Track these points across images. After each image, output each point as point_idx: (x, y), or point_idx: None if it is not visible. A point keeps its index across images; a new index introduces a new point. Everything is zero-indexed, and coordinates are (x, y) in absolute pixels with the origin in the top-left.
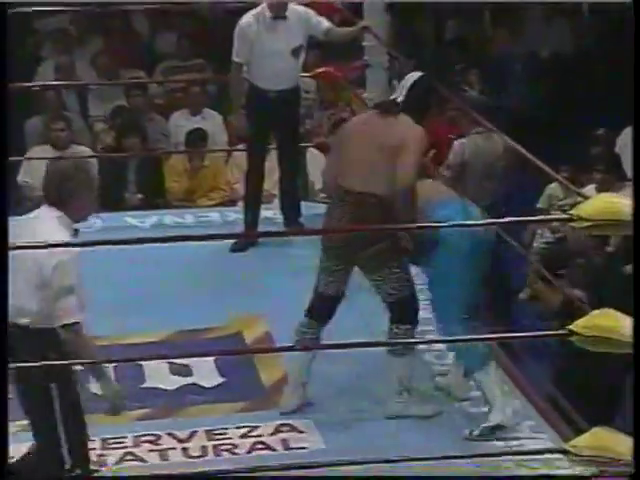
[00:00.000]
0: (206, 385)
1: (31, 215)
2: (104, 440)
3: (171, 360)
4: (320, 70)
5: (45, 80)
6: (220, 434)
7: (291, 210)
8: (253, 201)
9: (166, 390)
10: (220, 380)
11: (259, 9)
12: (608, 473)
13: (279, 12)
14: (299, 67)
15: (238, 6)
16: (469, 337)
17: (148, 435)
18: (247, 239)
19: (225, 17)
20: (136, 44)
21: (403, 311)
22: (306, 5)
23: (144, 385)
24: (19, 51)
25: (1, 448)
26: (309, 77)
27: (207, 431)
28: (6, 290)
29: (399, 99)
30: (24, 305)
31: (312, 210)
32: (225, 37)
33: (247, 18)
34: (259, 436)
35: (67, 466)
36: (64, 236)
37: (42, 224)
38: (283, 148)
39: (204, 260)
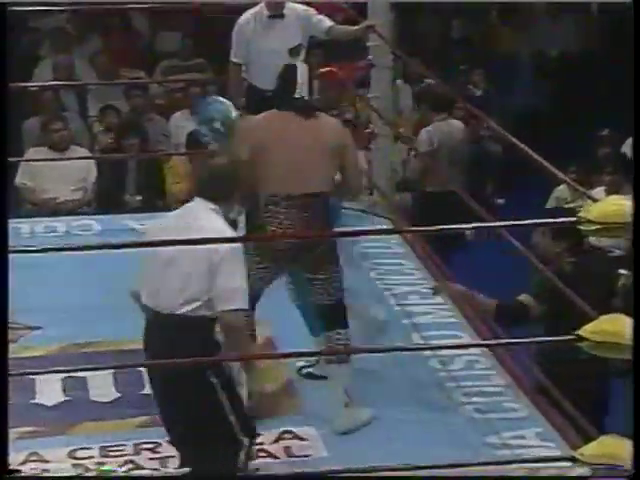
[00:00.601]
0: None
1: (185, 207)
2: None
3: None
4: (323, 70)
5: (43, 80)
6: None
7: None
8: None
9: None
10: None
11: (257, 8)
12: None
13: (276, 11)
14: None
15: (239, 5)
16: (474, 343)
17: (149, 443)
18: (239, 242)
19: (226, 16)
20: (136, 43)
21: (340, 314)
22: (310, 4)
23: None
24: (17, 50)
25: (1, 448)
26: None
27: None
28: (6, 290)
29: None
30: (188, 292)
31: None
32: (226, 36)
33: (245, 17)
34: (261, 444)
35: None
36: (225, 226)
37: (202, 215)
38: None
39: None
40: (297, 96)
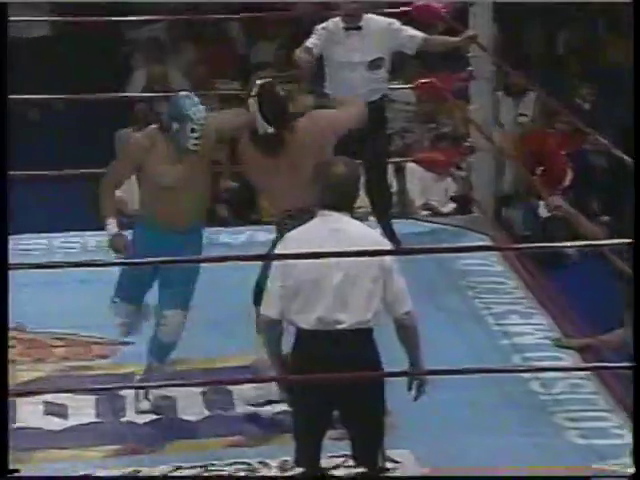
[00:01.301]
0: None
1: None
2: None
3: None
4: (422, 81)
5: (137, 90)
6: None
7: (385, 229)
8: None
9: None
10: None
11: (336, 19)
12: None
13: (352, 23)
14: (379, 81)
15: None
16: (558, 367)
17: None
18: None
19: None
20: (231, 54)
21: None
22: (408, 14)
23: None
24: (112, 60)
25: (1, 448)
26: (410, 89)
27: None
28: (6, 293)
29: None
30: (373, 303)
31: (412, 228)
32: None
33: (327, 23)
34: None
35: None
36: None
37: (353, 226)
38: (366, 165)
39: None
40: None
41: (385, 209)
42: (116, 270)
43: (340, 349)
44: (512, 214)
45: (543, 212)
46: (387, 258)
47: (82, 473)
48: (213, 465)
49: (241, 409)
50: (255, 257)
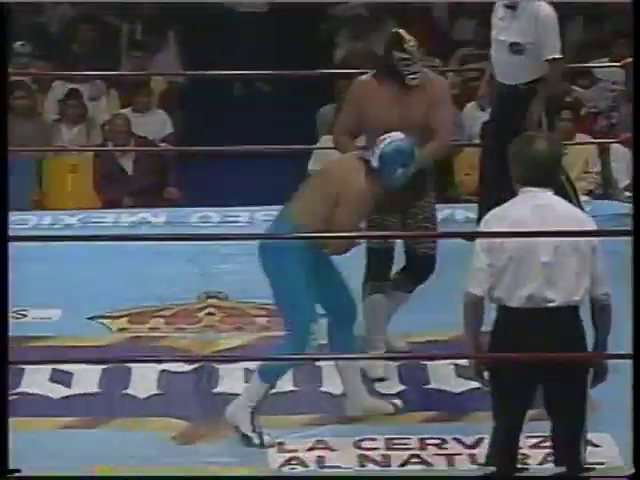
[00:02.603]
0: None
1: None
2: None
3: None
4: (629, 60)
5: (338, 67)
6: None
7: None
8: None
9: (453, 393)
10: None
11: None
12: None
13: (509, 1)
14: (521, 66)
15: None
16: None
17: (434, 439)
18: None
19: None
20: (434, 30)
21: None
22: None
23: (429, 386)
24: (315, 38)
25: (1, 448)
26: (618, 67)
27: None
28: (6, 288)
29: None
30: (584, 279)
31: (615, 209)
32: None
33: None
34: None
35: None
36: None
37: (557, 203)
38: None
39: None
40: None
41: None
42: None
43: (550, 327)
44: None
45: None
46: (594, 239)
47: (276, 440)
48: (408, 439)
49: (435, 384)
50: (454, 234)
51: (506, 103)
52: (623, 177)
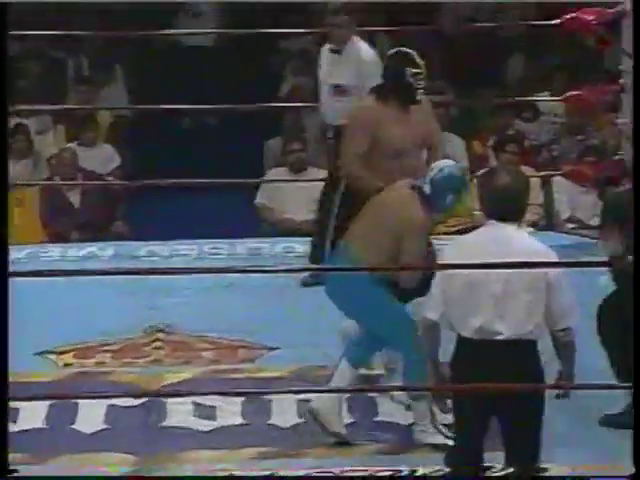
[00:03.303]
0: None
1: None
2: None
3: None
4: (570, 94)
5: (284, 100)
6: None
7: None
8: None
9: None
10: None
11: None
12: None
13: (335, 45)
14: (345, 108)
15: (484, 27)
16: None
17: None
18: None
19: (469, 36)
20: None
21: None
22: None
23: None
24: (263, 70)
25: (1, 448)
26: (558, 101)
27: None
28: (6, 294)
29: None
30: (535, 314)
31: (558, 240)
32: (468, 57)
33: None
34: None
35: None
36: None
37: (519, 237)
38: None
39: None
40: None
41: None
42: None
43: (500, 359)
44: None
45: None
46: (554, 271)
47: (227, 473)
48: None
49: (385, 417)
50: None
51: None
52: (565, 209)
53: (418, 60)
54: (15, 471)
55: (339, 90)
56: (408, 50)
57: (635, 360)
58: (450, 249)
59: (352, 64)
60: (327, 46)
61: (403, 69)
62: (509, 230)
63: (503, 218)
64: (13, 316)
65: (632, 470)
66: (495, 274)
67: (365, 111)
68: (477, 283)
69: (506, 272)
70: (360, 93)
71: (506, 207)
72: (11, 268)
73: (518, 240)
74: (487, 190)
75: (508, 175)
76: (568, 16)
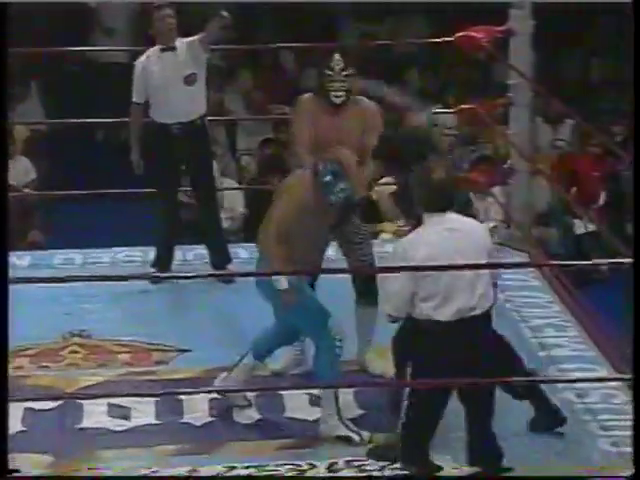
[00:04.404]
0: None
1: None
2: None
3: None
4: (463, 107)
5: None
6: None
7: (215, 252)
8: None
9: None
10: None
11: (154, 47)
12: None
13: (167, 44)
14: (198, 97)
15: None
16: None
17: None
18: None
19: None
20: (284, 79)
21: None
22: (451, 42)
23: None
24: None
25: (1, 448)
26: (451, 113)
27: None
28: (6, 293)
29: None
30: (489, 288)
31: None
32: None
33: (140, 57)
34: None
35: None
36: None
37: (465, 222)
38: (195, 185)
39: None
40: None
41: (213, 228)
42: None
43: (474, 332)
44: (547, 232)
45: (578, 229)
46: (490, 245)
47: (143, 471)
48: (265, 466)
49: (290, 413)
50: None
51: (191, 141)
52: None
53: (333, 63)
54: (15, 471)
55: (189, 79)
56: (335, 55)
57: (634, 356)
58: (409, 249)
59: (190, 53)
60: (157, 49)
61: (322, 71)
62: (454, 216)
63: (442, 209)
64: None
65: (632, 470)
66: (461, 258)
67: (302, 102)
68: (450, 273)
69: (467, 254)
70: (202, 79)
71: (444, 197)
72: None
73: (467, 222)
74: (425, 186)
75: (440, 169)
76: (460, 34)
